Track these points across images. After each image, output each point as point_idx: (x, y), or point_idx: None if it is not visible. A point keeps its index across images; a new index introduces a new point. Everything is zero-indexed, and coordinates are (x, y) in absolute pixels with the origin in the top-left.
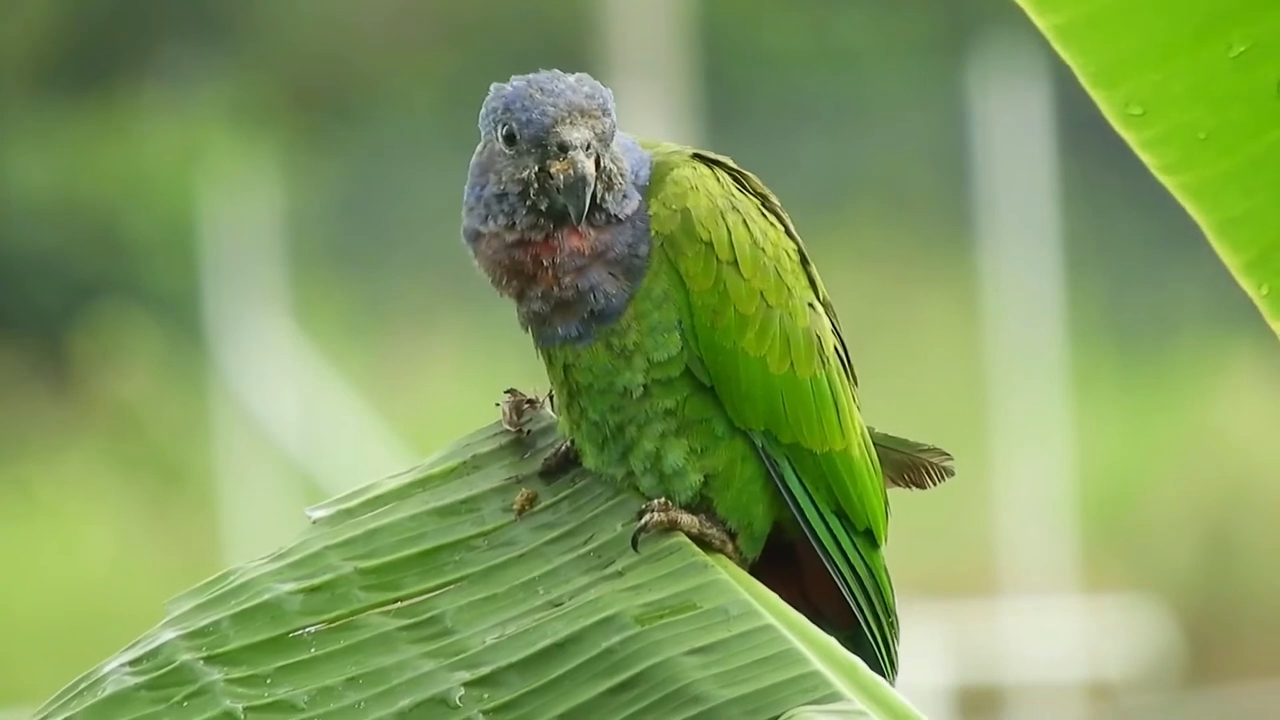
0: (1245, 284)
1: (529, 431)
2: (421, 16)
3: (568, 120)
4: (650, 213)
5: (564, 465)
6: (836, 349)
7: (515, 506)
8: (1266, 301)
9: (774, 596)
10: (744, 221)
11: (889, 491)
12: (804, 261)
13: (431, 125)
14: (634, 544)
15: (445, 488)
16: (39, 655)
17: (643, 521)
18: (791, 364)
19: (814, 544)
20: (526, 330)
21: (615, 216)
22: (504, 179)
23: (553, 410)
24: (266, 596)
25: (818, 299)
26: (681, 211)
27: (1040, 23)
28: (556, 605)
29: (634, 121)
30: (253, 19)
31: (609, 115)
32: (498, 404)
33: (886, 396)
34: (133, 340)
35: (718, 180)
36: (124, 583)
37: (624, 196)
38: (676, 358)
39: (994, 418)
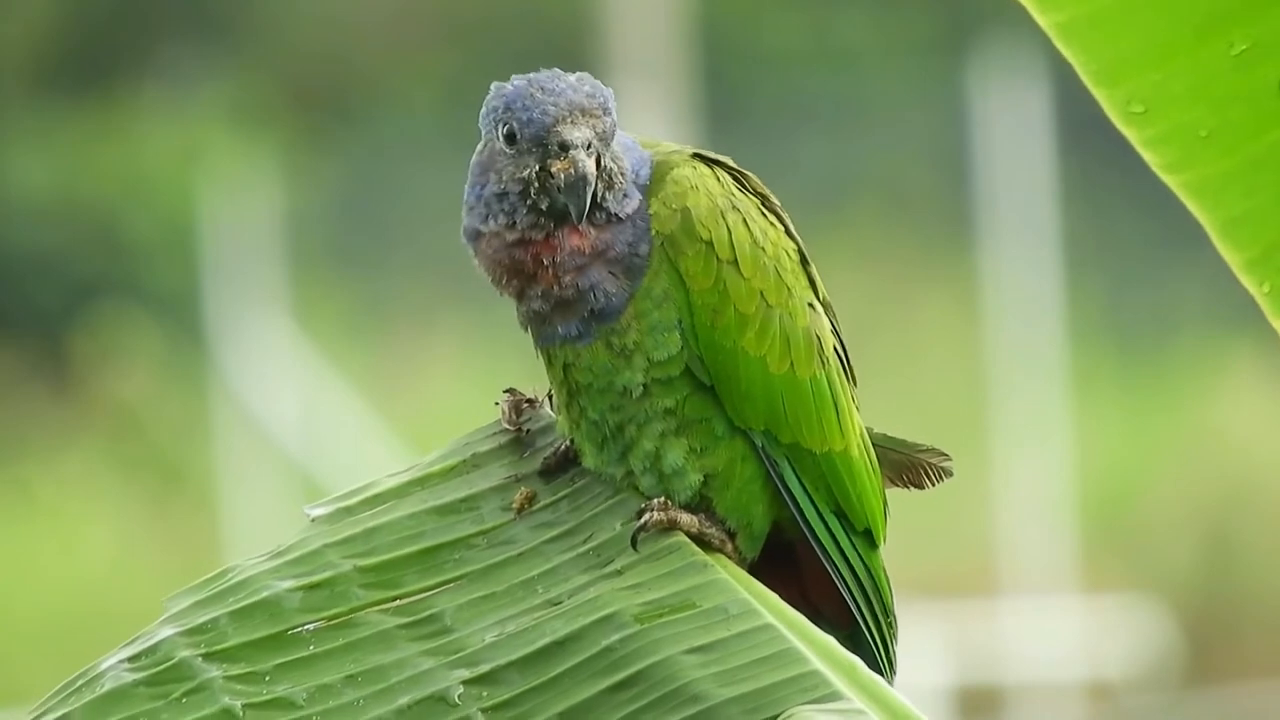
0: (1247, 282)
1: (528, 430)
2: (421, 16)
3: (569, 119)
4: (651, 212)
5: (563, 464)
6: (836, 349)
7: (514, 505)
8: (1268, 299)
9: (773, 596)
10: (744, 221)
11: (888, 492)
12: (804, 261)
13: (431, 125)
14: (633, 543)
15: (444, 486)
16: (39, 655)
17: (642, 520)
18: (791, 364)
19: (813, 544)
20: (526, 329)
21: (616, 215)
22: (505, 178)
23: (552, 409)
24: (265, 594)
25: (817, 299)
26: (682, 211)
27: (1042, 21)
28: (556, 604)
29: (634, 121)
30: (253, 19)
31: (610, 114)
32: (497, 403)
33: (886, 396)
34: (133, 340)
35: (718, 180)
36: (124, 582)
37: (624, 196)
38: (676, 357)
39: (994, 418)
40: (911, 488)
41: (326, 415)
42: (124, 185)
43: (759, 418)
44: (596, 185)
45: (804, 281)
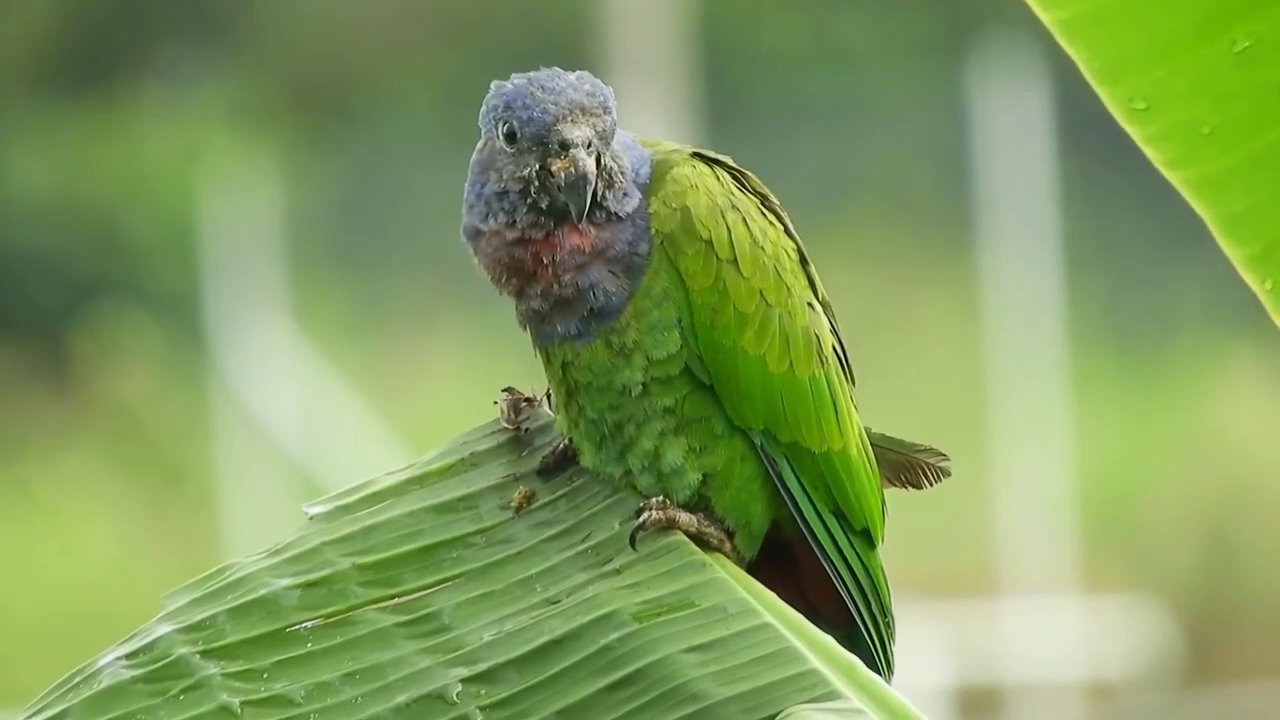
0: (1249, 279)
1: (527, 429)
2: (421, 16)
3: (569, 118)
4: (650, 211)
5: (562, 463)
6: (835, 349)
7: (513, 504)
8: (1270, 296)
9: (772, 595)
10: (744, 220)
11: (886, 492)
12: (803, 261)
13: (431, 125)
14: (632, 542)
15: (443, 485)
16: (39, 655)
17: (641, 519)
18: (790, 363)
19: (811, 543)
20: (525, 328)
21: (616, 214)
22: (505, 177)
23: (550, 408)
24: (263, 591)
25: (816, 298)
26: (681, 210)
27: (1045, 18)
28: (554, 603)
29: (634, 121)
30: (253, 19)
31: (610, 113)
32: (495, 402)
33: (886, 396)
34: (133, 340)
35: (717, 179)
36: (124, 582)
37: (624, 194)
38: (676, 356)
39: (994, 418)
40: (909, 488)
41: (326, 415)
42: (124, 185)
43: (758, 417)
44: (597, 184)
45: (803, 281)
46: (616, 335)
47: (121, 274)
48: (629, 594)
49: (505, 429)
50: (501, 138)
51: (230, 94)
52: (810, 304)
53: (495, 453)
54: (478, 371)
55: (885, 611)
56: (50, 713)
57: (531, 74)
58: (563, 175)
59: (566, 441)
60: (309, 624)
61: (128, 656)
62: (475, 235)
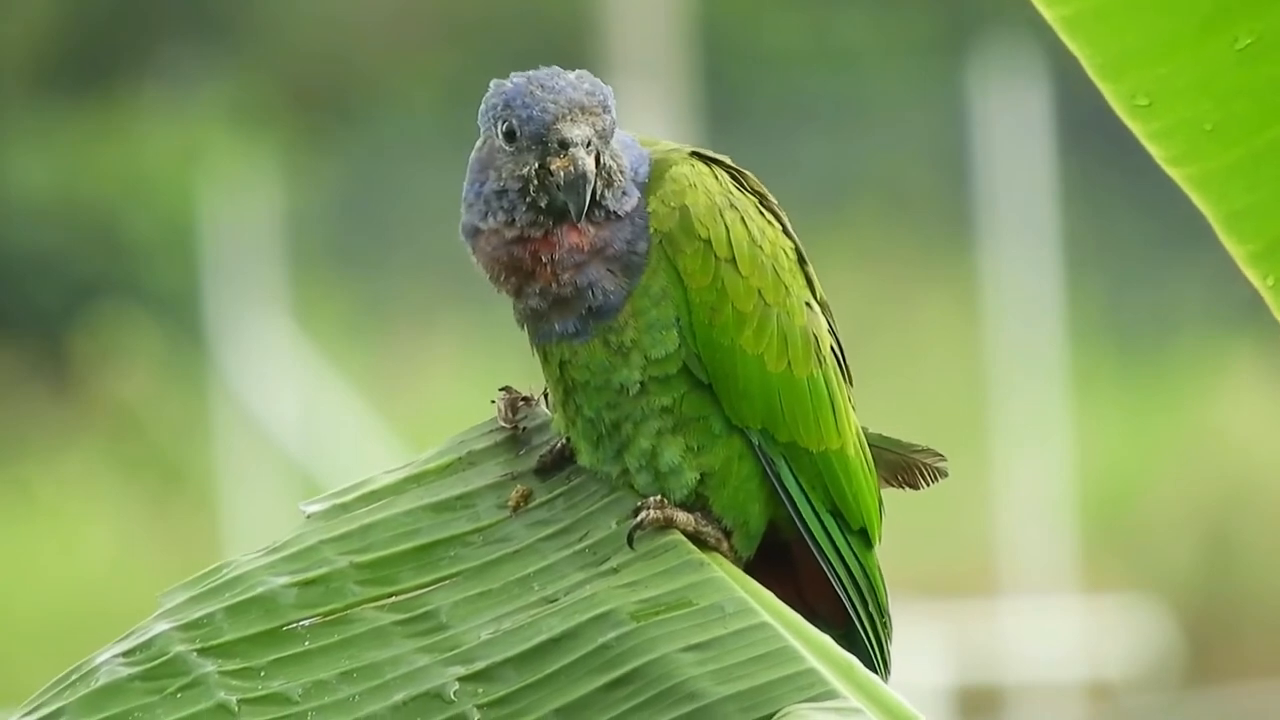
0: (1251, 275)
1: (524, 428)
2: (421, 16)
3: (568, 117)
4: (649, 210)
5: (559, 462)
6: (833, 349)
7: (510, 503)
8: (1272, 292)
9: (769, 594)
10: (742, 219)
11: (883, 492)
12: (801, 260)
13: (431, 125)
14: (630, 541)
15: (440, 483)
16: (39, 655)
17: (638, 518)
18: (789, 362)
19: (809, 543)
20: (523, 327)
21: (614, 213)
22: (504, 175)
23: (548, 407)
24: (260, 590)
25: (814, 298)
26: (680, 209)
27: (1048, 14)
28: (551, 601)
29: (634, 121)
30: (253, 19)
31: (609, 112)
32: (493, 401)
33: (886, 396)
34: (133, 340)
35: (716, 178)
36: (124, 582)
37: (623, 193)
38: (674, 355)
39: (994, 418)
40: (906, 488)
41: (326, 415)
42: (124, 185)
43: (756, 416)
44: (596, 183)
45: (801, 280)
46: (614, 334)
47: (121, 274)
48: (626, 593)
49: (503, 428)
50: (501, 136)
51: (230, 94)
52: (808, 303)
53: (493, 452)
54: (478, 371)
55: (882, 611)
56: (46, 710)
57: (531, 73)
58: (562, 174)
59: (564, 440)
60: (306, 622)
61: (125, 654)
62: (474, 233)
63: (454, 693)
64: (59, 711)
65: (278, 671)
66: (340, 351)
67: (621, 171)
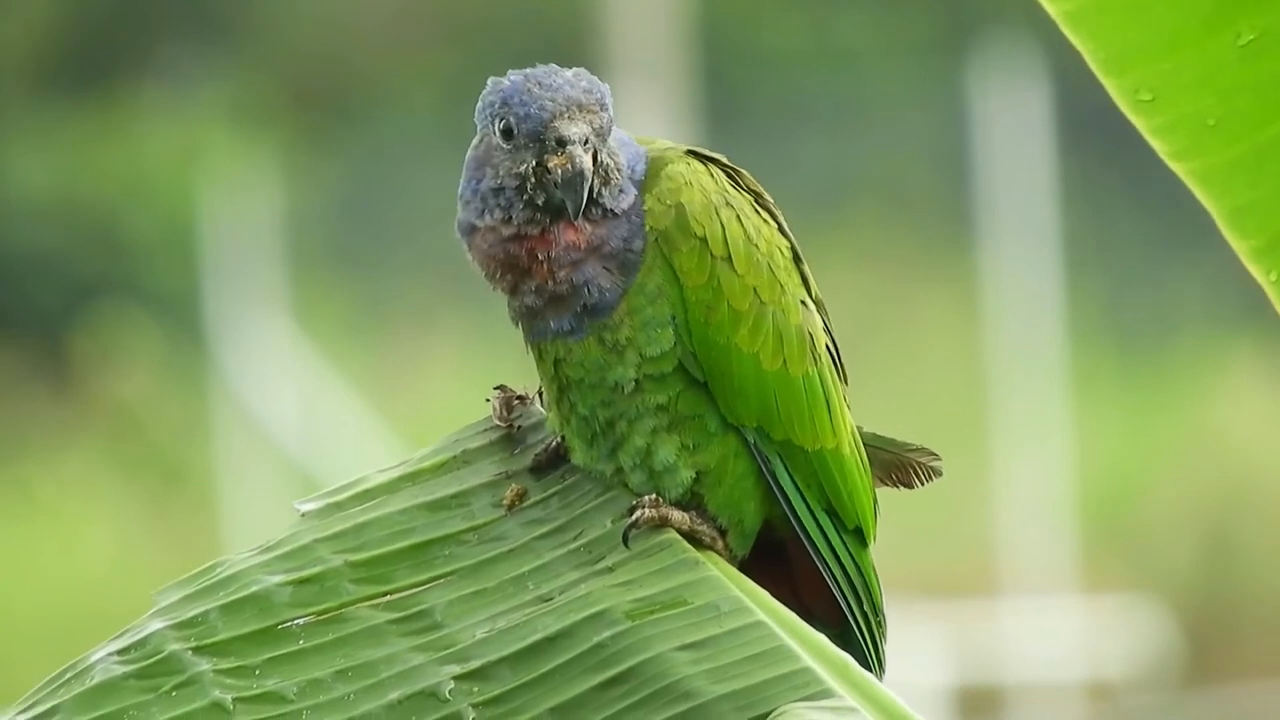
0: (1254, 270)
1: (519, 427)
2: (421, 16)
3: (566, 115)
4: (645, 208)
5: (554, 461)
6: (828, 347)
7: (505, 502)
8: (1275, 287)
9: (765, 593)
10: (738, 217)
11: (878, 491)
12: (796, 259)
13: (431, 125)
14: (625, 540)
15: (435, 482)
16: (39, 655)
17: (633, 517)
18: (784, 361)
19: (804, 542)
20: (517, 324)
21: (611, 211)
22: (501, 173)
23: (543, 406)
24: (255, 588)
25: (810, 297)
26: (676, 207)
27: (1051, 9)
28: (546, 600)
29: (634, 121)
30: (253, 19)
31: (607, 110)
32: (488, 399)
33: (886, 396)
34: (133, 340)
35: (712, 176)
36: (124, 582)
37: (620, 191)
38: (669, 353)
39: (994, 418)
40: (901, 487)
41: (326, 415)
42: (124, 185)
43: (751, 414)
44: (593, 181)
45: (796, 279)
46: (610, 332)
47: (121, 274)
48: (621, 592)
49: (497, 426)
50: (498, 134)
51: (230, 94)
52: (803, 302)
53: (487, 450)
54: (477, 371)
55: (877, 610)
56: (41, 709)
57: (528, 70)
58: (559, 172)
59: (559, 439)
60: (301, 621)
61: (119, 652)
62: (470, 231)
63: (449, 691)
64: (53, 710)
65: (272, 670)
66: (340, 351)
67: (619, 169)
